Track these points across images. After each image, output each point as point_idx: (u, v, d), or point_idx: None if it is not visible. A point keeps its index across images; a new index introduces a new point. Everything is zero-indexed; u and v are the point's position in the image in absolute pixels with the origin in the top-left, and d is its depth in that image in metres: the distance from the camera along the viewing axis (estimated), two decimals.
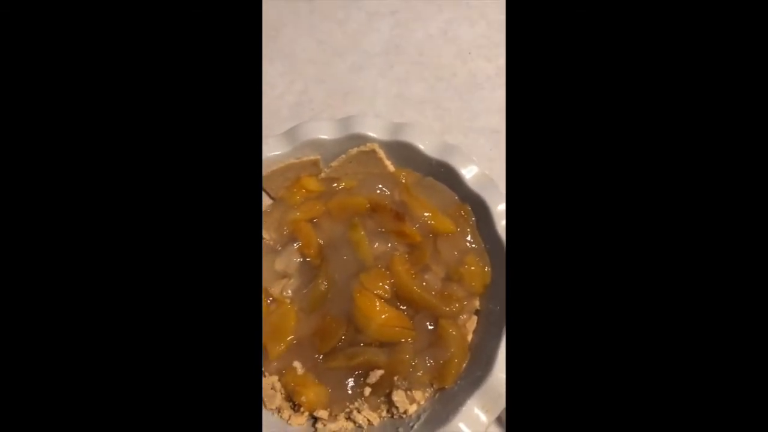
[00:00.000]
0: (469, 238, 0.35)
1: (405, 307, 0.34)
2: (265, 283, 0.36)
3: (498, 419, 0.33)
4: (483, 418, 0.28)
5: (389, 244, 0.36)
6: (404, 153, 0.38)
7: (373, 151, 0.38)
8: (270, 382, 0.33)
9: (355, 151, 0.38)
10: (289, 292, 0.35)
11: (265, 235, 0.38)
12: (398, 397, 0.31)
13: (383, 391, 0.32)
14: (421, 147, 0.37)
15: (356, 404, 0.32)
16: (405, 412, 0.31)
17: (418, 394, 0.31)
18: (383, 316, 0.32)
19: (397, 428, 0.31)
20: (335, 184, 0.39)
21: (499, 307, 0.33)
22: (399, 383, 0.31)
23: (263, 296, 0.35)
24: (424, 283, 0.34)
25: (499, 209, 0.34)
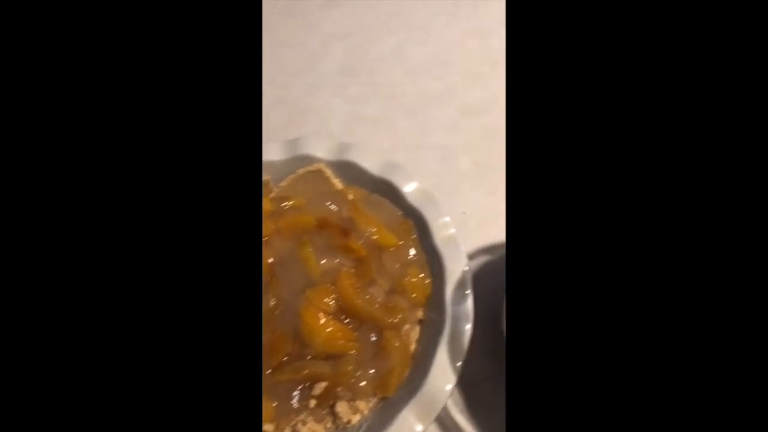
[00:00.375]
0: (411, 251, 0.37)
1: (349, 320, 0.35)
2: None
3: (440, 423, 0.34)
4: (418, 427, 0.29)
5: (337, 260, 0.37)
6: (350, 172, 0.39)
7: (320, 171, 0.39)
8: None
9: (302, 171, 0.40)
10: None
11: None
12: (341, 408, 0.32)
13: (327, 403, 0.33)
14: (365, 165, 0.39)
15: (302, 417, 0.32)
16: (348, 422, 0.32)
17: (361, 404, 0.33)
18: (328, 330, 0.33)
19: None
20: (284, 204, 0.40)
21: (440, 317, 0.34)
22: (342, 394, 0.32)
23: None
24: (368, 297, 0.35)
25: (438, 222, 0.36)
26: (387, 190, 0.38)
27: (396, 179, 0.37)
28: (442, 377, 0.31)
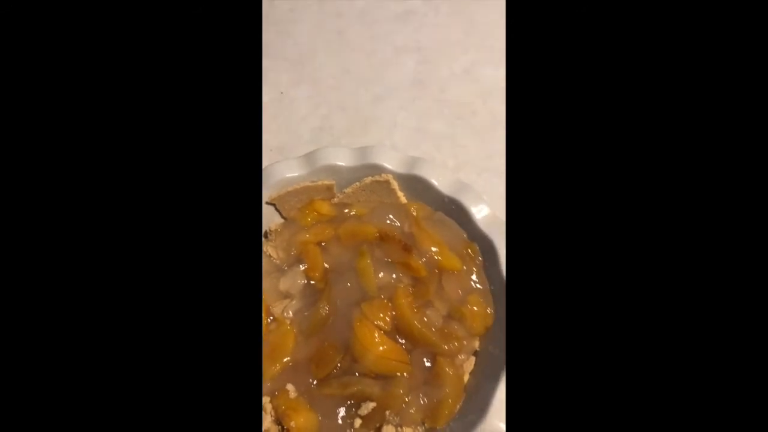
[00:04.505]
0: (474, 277, 0.35)
1: (404, 341, 0.33)
2: (268, 301, 0.36)
3: None
4: None
5: (394, 275, 0.36)
6: (417, 187, 0.38)
7: (387, 182, 0.38)
8: (261, 403, 0.33)
9: (369, 180, 0.39)
10: (290, 313, 0.36)
11: (272, 253, 0.39)
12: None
13: (373, 425, 0.31)
14: (435, 183, 0.37)
15: None
16: None
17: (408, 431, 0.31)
18: (381, 348, 0.32)
19: None
20: (347, 210, 0.39)
21: (499, 351, 0.32)
22: (390, 418, 0.31)
23: (264, 315, 0.35)
24: (425, 319, 0.34)
25: None
26: (455, 211, 0.37)
27: (466, 201, 0.36)
28: (498, 416, 0.30)
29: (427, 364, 0.33)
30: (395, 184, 0.39)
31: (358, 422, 0.31)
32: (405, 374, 0.32)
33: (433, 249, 0.36)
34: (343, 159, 0.39)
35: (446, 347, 0.33)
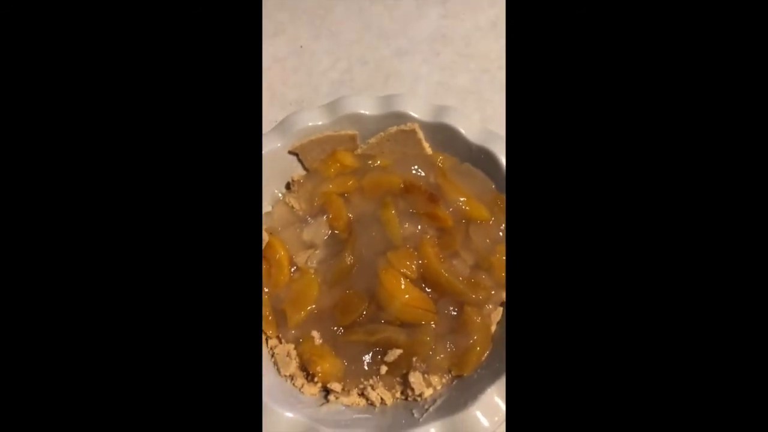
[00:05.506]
0: (503, 227, 0.34)
1: (430, 290, 0.33)
2: (291, 251, 0.35)
3: None
4: (502, 406, 0.27)
5: (419, 227, 0.35)
6: (444, 136, 0.37)
7: (413, 131, 0.37)
8: (286, 350, 0.32)
9: (394, 129, 0.37)
10: (314, 262, 0.35)
11: (295, 204, 0.38)
12: (415, 378, 0.30)
13: (400, 372, 0.31)
14: (463, 131, 0.36)
15: (371, 381, 0.31)
16: (420, 395, 0.30)
17: (434, 379, 0.31)
18: (407, 296, 0.31)
19: (411, 410, 0.30)
20: (370, 161, 0.38)
21: None
22: (417, 365, 0.31)
23: (287, 264, 0.35)
24: (452, 268, 0.33)
25: None
26: (484, 160, 0.36)
27: (497, 150, 0.35)
28: None
29: (454, 313, 0.32)
30: (421, 134, 0.37)
31: (384, 369, 0.31)
32: (431, 323, 0.32)
33: (461, 199, 0.35)
34: (367, 107, 0.38)
35: (474, 296, 0.32)
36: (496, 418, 0.27)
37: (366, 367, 0.31)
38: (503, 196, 0.35)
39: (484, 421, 0.27)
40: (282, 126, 0.38)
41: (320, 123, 0.38)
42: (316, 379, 0.31)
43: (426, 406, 0.29)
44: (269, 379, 0.31)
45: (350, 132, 0.38)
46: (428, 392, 0.30)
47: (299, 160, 0.39)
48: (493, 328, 0.32)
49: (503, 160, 0.35)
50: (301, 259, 0.35)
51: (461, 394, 0.29)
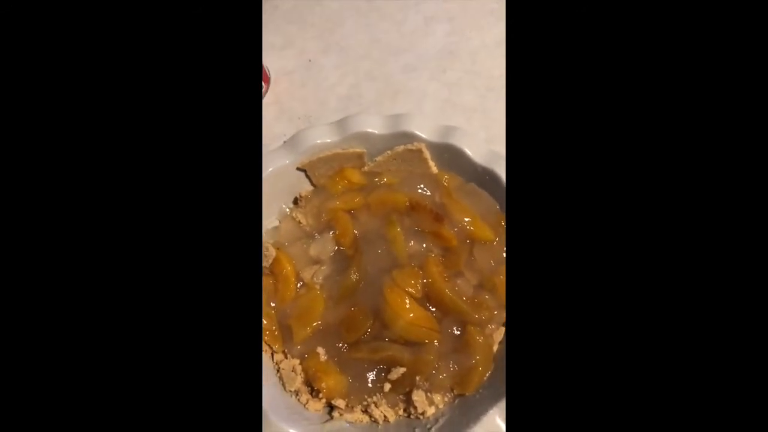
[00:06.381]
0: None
1: (434, 309, 0.33)
2: (297, 266, 0.36)
3: None
4: (503, 427, 0.28)
5: (424, 245, 0.36)
6: (450, 156, 0.38)
7: (419, 151, 0.38)
8: (291, 365, 0.33)
9: (401, 148, 0.38)
10: (320, 278, 0.36)
11: (302, 219, 0.38)
12: (418, 397, 0.31)
13: (403, 389, 0.31)
14: (469, 152, 0.37)
15: (374, 398, 0.31)
16: (423, 413, 0.31)
17: (437, 398, 0.31)
18: (411, 315, 0.32)
19: (414, 428, 0.30)
20: (377, 179, 0.39)
21: None
22: (420, 383, 0.31)
23: (294, 279, 0.35)
24: (456, 288, 0.34)
25: None
26: (489, 181, 0.36)
27: (501, 171, 0.35)
28: None
29: (457, 332, 0.33)
30: (427, 154, 0.38)
31: (387, 386, 0.31)
32: (435, 341, 0.32)
33: (466, 219, 0.36)
34: (375, 126, 0.38)
35: (477, 316, 0.33)
36: None
37: (370, 385, 0.32)
38: None
39: None
40: (291, 142, 0.39)
41: (329, 140, 0.38)
42: (320, 395, 0.32)
43: (428, 426, 0.30)
44: (274, 394, 0.32)
45: (358, 150, 0.39)
46: (431, 411, 0.31)
47: (307, 176, 0.40)
48: (496, 348, 0.33)
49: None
50: (307, 274, 0.36)
51: (463, 414, 0.29)
